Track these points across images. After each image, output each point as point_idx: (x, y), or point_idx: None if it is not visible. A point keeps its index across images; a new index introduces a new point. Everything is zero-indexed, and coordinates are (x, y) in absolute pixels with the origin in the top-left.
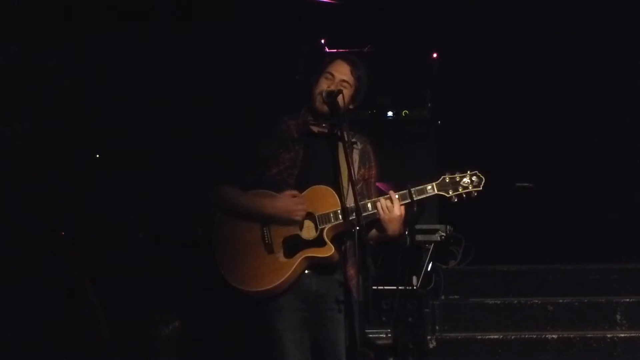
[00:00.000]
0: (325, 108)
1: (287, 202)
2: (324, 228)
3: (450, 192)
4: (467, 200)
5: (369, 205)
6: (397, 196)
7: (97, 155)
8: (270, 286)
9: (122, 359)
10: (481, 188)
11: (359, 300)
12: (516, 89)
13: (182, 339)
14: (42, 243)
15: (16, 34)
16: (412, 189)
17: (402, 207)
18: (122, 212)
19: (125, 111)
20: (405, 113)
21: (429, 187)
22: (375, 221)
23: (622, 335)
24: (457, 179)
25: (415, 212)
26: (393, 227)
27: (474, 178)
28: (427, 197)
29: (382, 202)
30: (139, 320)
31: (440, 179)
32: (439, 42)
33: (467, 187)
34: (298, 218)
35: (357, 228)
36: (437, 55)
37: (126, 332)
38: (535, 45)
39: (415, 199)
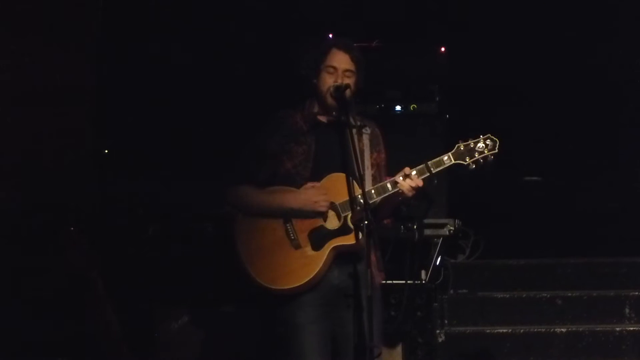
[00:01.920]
0: (336, 103)
1: (309, 194)
2: (347, 215)
3: (468, 160)
4: (484, 165)
5: (389, 185)
6: (414, 172)
7: (106, 151)
8: (303, 281)
9: (131, 355)
10: (497, 150)
11: (375, 291)
12: (525, 83)
13: (191, 335)
14: (51, 239)
15: (24, 32)
16: (428, 162)
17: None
18: (131, 208)
19: (133, 107)
20: (413, 107)
21: (446, 157)
22: (394, 196)
23: (631, 328)
24: (472, 145)
25: (424, 206)
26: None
27: (488, 141)
28: (445, 168)
29: (404, 183)
30: (148, 316)
31: (454, 148)
32: (447, 36)
33: (482, 152)
34: (322, 209)
35: (366, 222)
36: (445, 49)
37: (135, 327)
38: (544, 39)
39: (433, 171)
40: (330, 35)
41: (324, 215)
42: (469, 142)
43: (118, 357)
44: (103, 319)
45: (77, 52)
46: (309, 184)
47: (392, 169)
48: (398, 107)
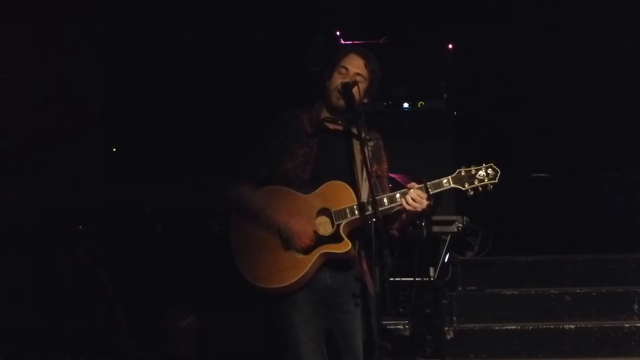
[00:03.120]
0: (342, 102)
1: (300, 226)
2: (340, 224)
3: (466, 186)
4: (483, 193)
5: (385, 200)
6: (412, 191)
7: (114, 150)
8: (288, 283)
9: (139, 350)
10: (497, 181)
11: (375, 293)
12: (532, 80)
13: (197, 332)
14: (60, 237)
15: (33, 32)
16: (427, 183)
17: (425, 195)
18: (139, 205)
19: (142, 106)
20: (421, 104)
21: (445, 180)
22: (397, 213)
23: None
24: (473, 172)
25: (432, 203)
26: (417, 215)
27: (489, 171)
28: (443, 190)
29: (408, 197)
30: (156, 313)
31: (455, 173)
32: (454, 33)
33: (482, 180)
34: (301, 245)
35: (374, 220)
36: (453, 46)
37: (143, 324)
38: (552, 36)
39: (430, 192)
40: (338, 33)
41: (313, 223)
42: (471, 168)
43: (126, 354)
44: (111, 315)
45: (85, 51)
46: (308, 226)
47: (400, 167)
48: (405, 104)
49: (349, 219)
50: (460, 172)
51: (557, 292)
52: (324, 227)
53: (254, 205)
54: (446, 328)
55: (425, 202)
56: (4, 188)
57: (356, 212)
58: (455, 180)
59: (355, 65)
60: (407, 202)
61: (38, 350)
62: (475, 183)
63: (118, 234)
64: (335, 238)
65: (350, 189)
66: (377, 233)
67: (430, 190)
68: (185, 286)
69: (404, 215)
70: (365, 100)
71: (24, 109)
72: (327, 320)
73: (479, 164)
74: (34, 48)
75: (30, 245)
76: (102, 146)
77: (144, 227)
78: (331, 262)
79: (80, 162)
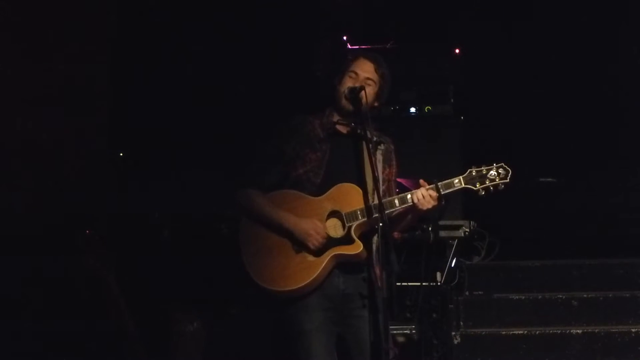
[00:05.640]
0: (350, 105)
1: (309, 227)
2: (351, 225)
3: (478, 186)
4: (494, 193)
5: (396, 201)
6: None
7: (121, 154)
8: (300, 285)
9: (147, 356)
10: (508, 180)
11: (382, 298)
12: (539, 84)
13: (205, 336)
14: (69, 242)
15: (39, 33)
16: (439, 184)
17: (435, 195)
18: (146, 210)
19: (148, 110)
20: (428, 109)
21: (456, 181)
22: (399, 215)
23: None
24: (484, 172)
25: (439, 207)
26: (422, 216)
27: (500, 170)
28: (454, 190)
29: (418, 193)
30: (163, 318)
31: (466, 173)
32: (461, 37)
33: (494, 180)
34: (311, 246)
35: (381, 224)
36: (460, 51)
37: (151, 329)
38: (558, 40)
39: (442, 193)
40: (345, 38)
41: (324, 225)
42: (482, 168)
43: (134, 358)
44: (119, 320)
45: (92, 54)
46: (317, 222)
47: (407, 171)
48: (412, 109)
49: (360, 221)
50: (471, 172)
51: (564, 297)
52: (335, 229)
53: (264, 213)
54: (453, 333)
55: (433, 202)
56: (9, 191)
57: (367, 214)
58: (466, 180)
59: (365, 70)
60: (417, 199)
61: (44, 353)
62: (487, 183)
63: (126, 238)
64: (346, 240)
65: (360, 190)
66: (384, 238)
67: (441, 190)
68: (193, 291)
69: (409, 217)
70: (375, 104)
71: (28, 111)
72: (338, 326)
73: (489, 163)
74: (39, 47)
75: (37, 250)
76: (111, 150)
77: (152, 231)
78: (343, 266)
79: (88, 166)
